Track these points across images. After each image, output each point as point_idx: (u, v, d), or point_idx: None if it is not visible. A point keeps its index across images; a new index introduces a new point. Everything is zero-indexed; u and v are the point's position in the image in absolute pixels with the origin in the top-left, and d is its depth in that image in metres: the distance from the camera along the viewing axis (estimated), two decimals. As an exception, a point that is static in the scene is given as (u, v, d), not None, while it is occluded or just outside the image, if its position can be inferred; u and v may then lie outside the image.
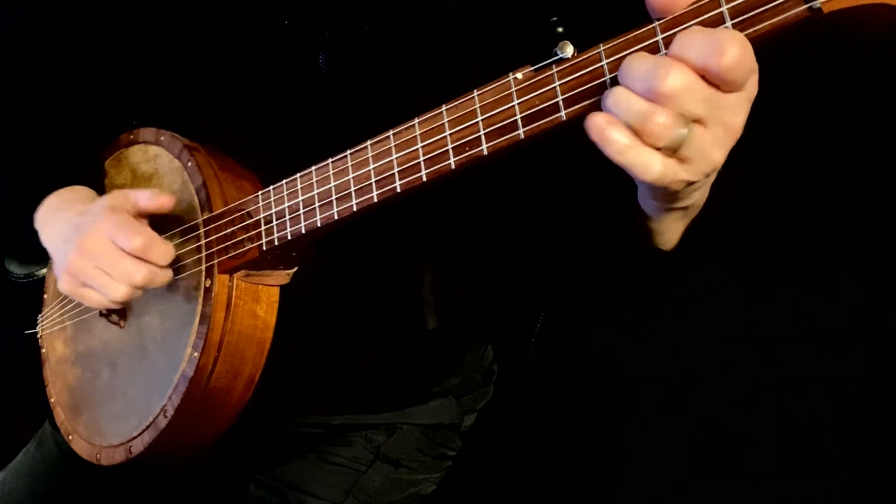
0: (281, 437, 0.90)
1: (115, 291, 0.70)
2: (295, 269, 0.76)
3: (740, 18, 0.43)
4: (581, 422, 1.10)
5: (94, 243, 0.70)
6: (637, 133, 0.45)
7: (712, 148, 0.47)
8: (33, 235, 0.80)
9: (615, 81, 0.48)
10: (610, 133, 0.46)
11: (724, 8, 0.44)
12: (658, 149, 0.45)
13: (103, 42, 0.89)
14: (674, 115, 0.44)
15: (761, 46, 0.43)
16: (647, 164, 0.46)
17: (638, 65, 0.45)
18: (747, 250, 0.99)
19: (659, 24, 0.46)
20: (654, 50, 0.46)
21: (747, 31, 0.43)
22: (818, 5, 0.41)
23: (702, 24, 0.44)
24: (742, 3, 0.43)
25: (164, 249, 0.72)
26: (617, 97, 0.45)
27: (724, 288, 1.02)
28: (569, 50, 0.51)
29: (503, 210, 0.86)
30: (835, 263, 1.00)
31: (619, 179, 0.51)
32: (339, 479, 0.87)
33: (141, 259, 0.70)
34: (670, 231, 0.63)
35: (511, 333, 1.06)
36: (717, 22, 0.44)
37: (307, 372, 0.84)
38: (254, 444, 0.89)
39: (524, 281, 1.04)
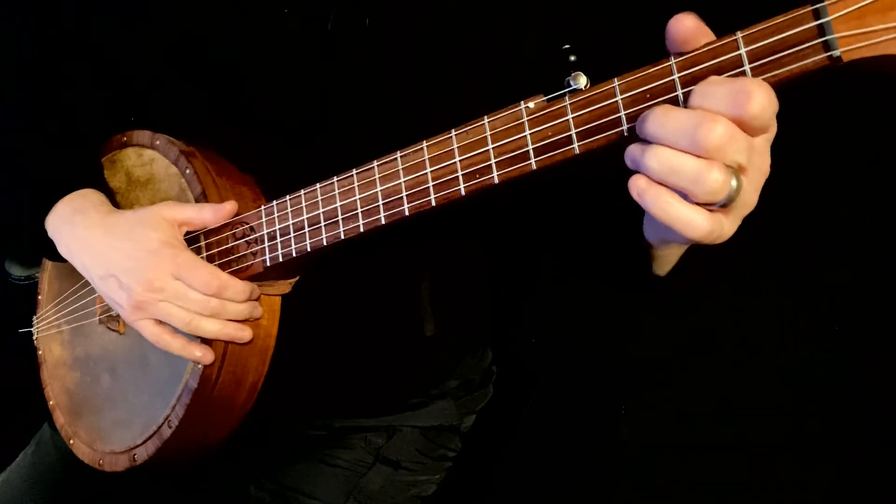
0: (281, 440, 0.90)
1: (205, 326, 0.71)
2: (297, 278, 0.76)
3: (758, 63, 0.43)
4: (581, 422, 1.11)
5: (162, 281, 0.69)
6: (689, 193, 0.44)
7: (753, 194, 0.47)
8: (48, 243, 0.78)
9: (631, 118, 0.47)
10: (657, 196, 0.45)
11: (742, 51, 0.43)
12: (708, 205, 0.44)
13: (102, 36, 0.86)
14: (726, 169, 0.43)
15: (778, 90, 0.43)
16: (693, 222, 0.45)
17: (674, 119, 0.43)
18: (747, 250, 0.99)
19: (675, 63, 0.46)
20: (670, 89, 0.46)
21: (766, 76, 0.43)
22: (838, 54, 0.40)
23: (720, 65, 0.44)
24: (760, 47, 0.43)
25: (238, 288, 0.71)
26: (662, 157, 0.44)
27: (725, 287, 1.03)
28: (582, 81, 0.50)
29: (504, 222, 0.86)
30: (835, 262, 1.01)
31: (624, 204, 0.51)
32: (340, 482, 0.88)
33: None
34: (670, 255, 0.63)
35: (511, 333, 1.07)
36: (734, 64, 0.44)
37: (308, 377, 0.84)
38: (255, 447, 0.89)
39: (524, 282, 1.04)
